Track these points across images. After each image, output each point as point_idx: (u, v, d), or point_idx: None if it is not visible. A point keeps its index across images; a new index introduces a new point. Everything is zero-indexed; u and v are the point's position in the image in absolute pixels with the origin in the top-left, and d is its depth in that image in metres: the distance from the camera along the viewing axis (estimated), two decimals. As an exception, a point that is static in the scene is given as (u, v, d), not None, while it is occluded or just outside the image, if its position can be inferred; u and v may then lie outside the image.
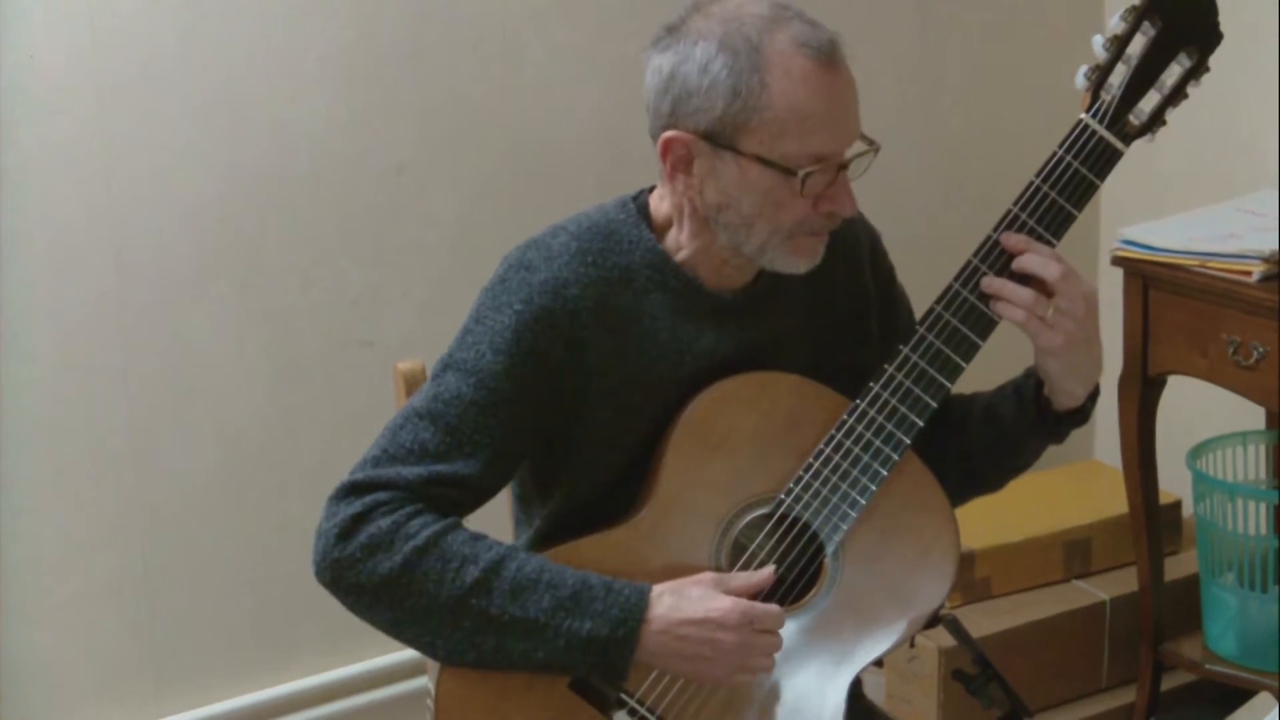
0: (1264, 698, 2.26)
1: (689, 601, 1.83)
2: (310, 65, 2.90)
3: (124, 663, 2.94)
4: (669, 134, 1.85)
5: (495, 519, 2.13)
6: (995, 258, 1.89)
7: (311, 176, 2.93)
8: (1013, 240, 1.88)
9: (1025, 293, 1.87)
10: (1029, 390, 1.97)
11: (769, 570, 1.88)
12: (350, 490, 1.85)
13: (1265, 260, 2.82)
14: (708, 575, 1.86)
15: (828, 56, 1.82)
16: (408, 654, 3.09)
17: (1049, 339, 1.87)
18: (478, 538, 1.85)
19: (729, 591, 1.85)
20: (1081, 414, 1.97)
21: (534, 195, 3.08)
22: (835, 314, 2.02)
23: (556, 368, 1.88)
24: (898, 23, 3.40)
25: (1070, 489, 3.42)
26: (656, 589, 1.84)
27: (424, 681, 2.58)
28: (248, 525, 2.99)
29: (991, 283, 1.88)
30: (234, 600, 3.00)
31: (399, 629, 1.85)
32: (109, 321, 2.83)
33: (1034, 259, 1.87)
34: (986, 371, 2.04)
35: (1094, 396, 1.97)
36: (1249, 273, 2.83)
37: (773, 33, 1.82)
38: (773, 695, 1.91)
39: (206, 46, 2.81)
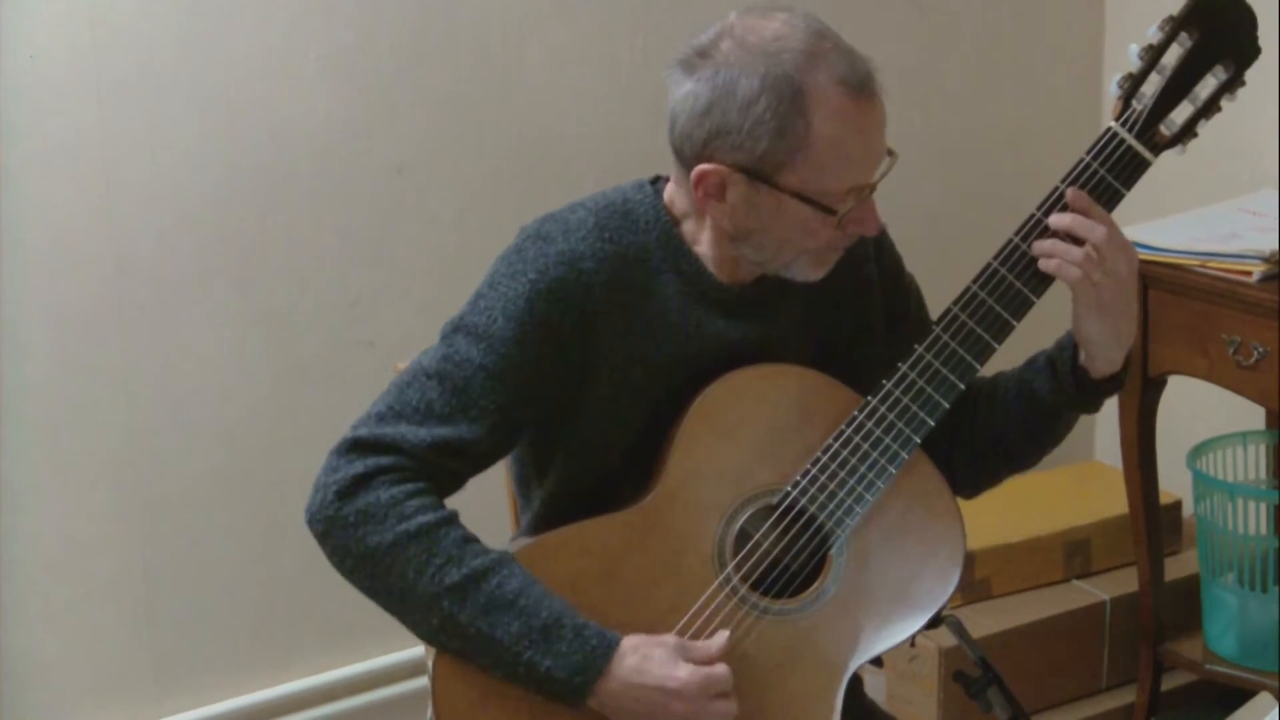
0: (1264, 698, 2.26)
1: (652, 664, 1.84)
2: (310, 65, 2.90)
3: (124, 663, 2.94)
4: (704, 167, 1.85)
5: (497, 513, 2.13)
6: (1016, 260, 1.90)
7: (311, 176, 2.93)
8: (1077, 198, 1.88)
9: (1078, 251, 1.87)
10: (1065, 362, 1.97)
11: (723, 638, 1.87)
12: (354, 447, 1.86)
13: (1265, 260, 2.82)
14: (671, 639, 1.86)
15: (865, 89, 1.83)
16: (408, 654, 3.09)
17: (1094, 296, 1.88)
18: (469, 540, 1.85)
19: (689, 659, 1.85)
20: (1117, 380, 1.97)
21: (534, 195, 3.08)
22: (840, 309, 2.02)
23: (566, 339, 1.89)
24: (898, 23, 3.39)
25: (1070, 489, 3.42)
26: (623, 645, 1.84)
27: (424, 681, 2.58)
28: (248, 525, 2.99)
29: (1043, 244, 1.88)
30: (234, 600, 3.00)
31: (375, 598, 1.87)
32: (109, 321, 2.82)
33: (1081, 221, 1.87)
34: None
35: (1128, 363, 1.98)
36: (1249, 273, 2.83)
37: (814, 70, 1.81)
38: (771, 688, 1.91)
39: (206, 46, 2.81)
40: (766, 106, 1.81)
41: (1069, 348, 1.97)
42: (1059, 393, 1.97)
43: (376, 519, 1.82)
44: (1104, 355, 1.94)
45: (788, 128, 1.81)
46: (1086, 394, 1.97)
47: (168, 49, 2.79)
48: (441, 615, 1.82)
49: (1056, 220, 1.88)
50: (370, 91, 2.95)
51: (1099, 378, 1.96)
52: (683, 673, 1.83)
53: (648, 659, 1.84)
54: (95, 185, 2.77)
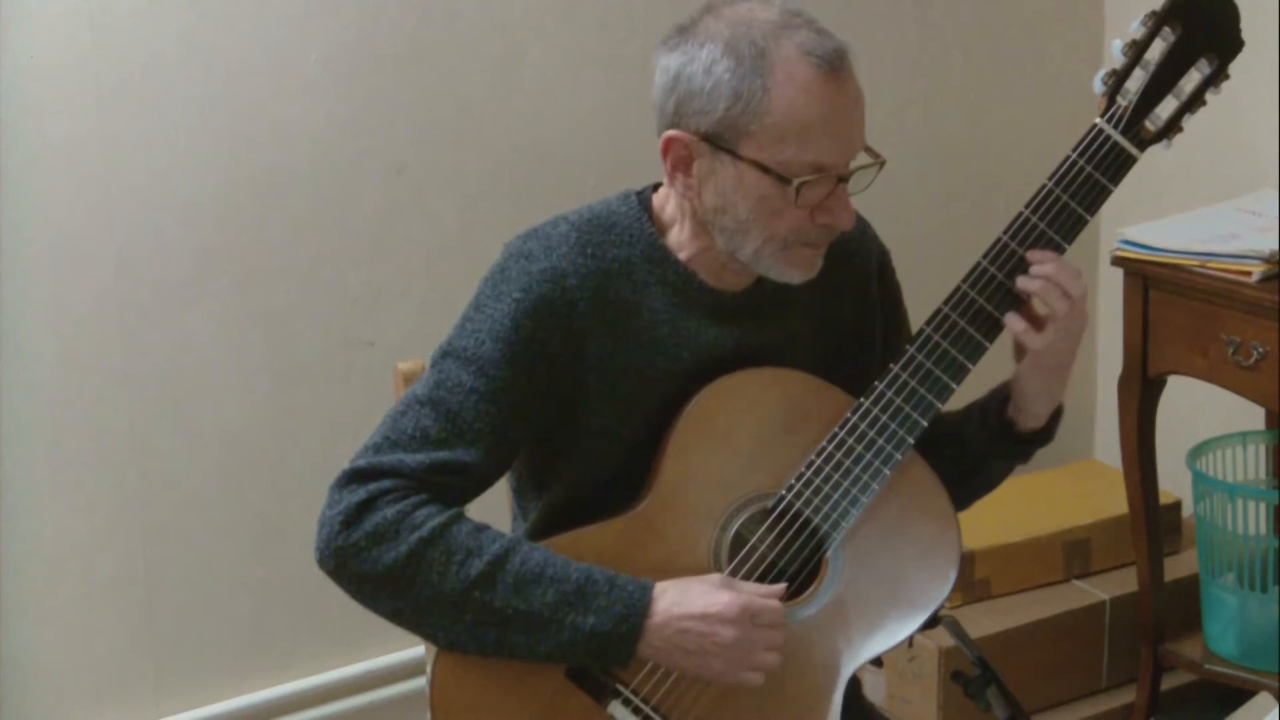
0: (1264, 698, 2.26)
1: (691, 596, 1.84)
2: (310, 65, 2.90)
3: (124, 663, 2.94)
4: (670, 133, 1.86)
5: (495, 512, 2.13)
6: (1005, 259, 1.90)
7: (311, 176, 2.93)
8: (1038, 256, 1.89)
9: (1063, 303, 1.87)
10: (993, 410, 1.99)
11: (780, 587, 1.88)
12: (353, 477, 1.85)
13: (1265, 260, 2.82)
14: (715, 576, 1.87)
15: (833, 66, 1.82)
16: (408, 654, 3.09)
17: (1039, 341, 1.89)
18: (482, 529, 1.85)
19: (732, 589, 1.85)
20: (1045, 434, 1.99)
21: (534, 196, 3.08)
22: (841, 323, 2.02)
23: (554, 357, 1.89)
24: (897, 23, 3.39)
25: (1070, 489, 3.42)
26: (660, 585, 1.84)
27: (424, 682, 2.58)
28: (248, 525, 2.99)
29: (1031, 283, 1.89)
30: (234, 600, 3.00)
31: (400, 618, 1.86)
32: (109, 321, 2.83)
33: (1064, 271, 1.88)
34: (989, 376, 2.04)
35: (1057, 416, 1.99)
36: (1249, 273, 2.83)
37: (780, 39, 1.82)
38: (769, 690, 1.90)
39: (206, 46, 2.81)
40: (726, 68, 1.81)
41: (998, 397, 1.99)
42: (984, 439, 2.00)
43: (388, 536, 1.82)
44: (1032, 410, 1.96)
45: (744, 89, 1.81)
46: (1010, 444, 2.00)
47: (168, 49, 2.79)
48: (475, 606, 1.81)
49: (1039, 267, 1.88)
50: (370, 91, 2.95)
51: (1024, 430, 1.98)
52: (724, 597, 1.83)
53: (687, 591, 1.84)
54: (95, 185, 2.78)
